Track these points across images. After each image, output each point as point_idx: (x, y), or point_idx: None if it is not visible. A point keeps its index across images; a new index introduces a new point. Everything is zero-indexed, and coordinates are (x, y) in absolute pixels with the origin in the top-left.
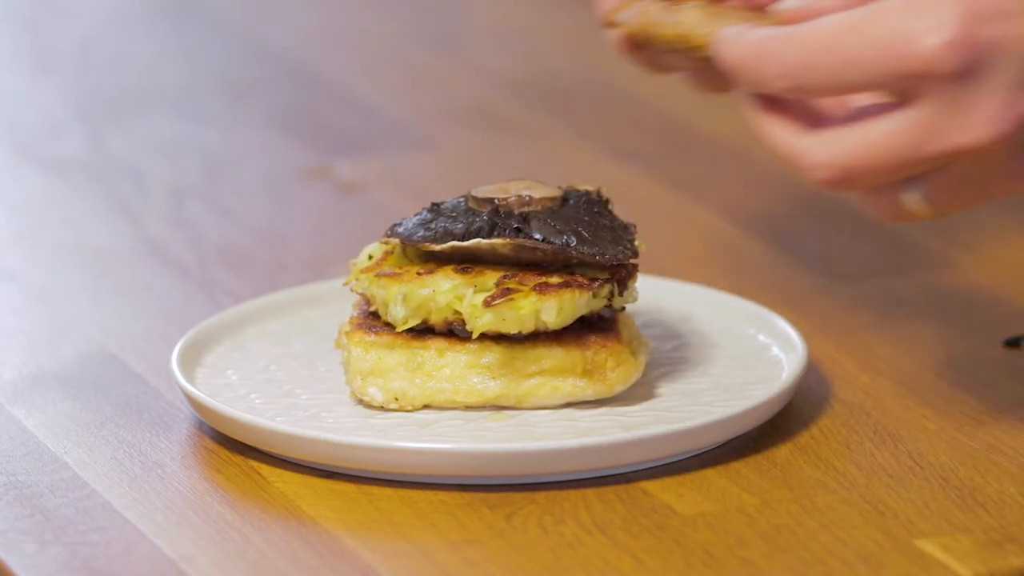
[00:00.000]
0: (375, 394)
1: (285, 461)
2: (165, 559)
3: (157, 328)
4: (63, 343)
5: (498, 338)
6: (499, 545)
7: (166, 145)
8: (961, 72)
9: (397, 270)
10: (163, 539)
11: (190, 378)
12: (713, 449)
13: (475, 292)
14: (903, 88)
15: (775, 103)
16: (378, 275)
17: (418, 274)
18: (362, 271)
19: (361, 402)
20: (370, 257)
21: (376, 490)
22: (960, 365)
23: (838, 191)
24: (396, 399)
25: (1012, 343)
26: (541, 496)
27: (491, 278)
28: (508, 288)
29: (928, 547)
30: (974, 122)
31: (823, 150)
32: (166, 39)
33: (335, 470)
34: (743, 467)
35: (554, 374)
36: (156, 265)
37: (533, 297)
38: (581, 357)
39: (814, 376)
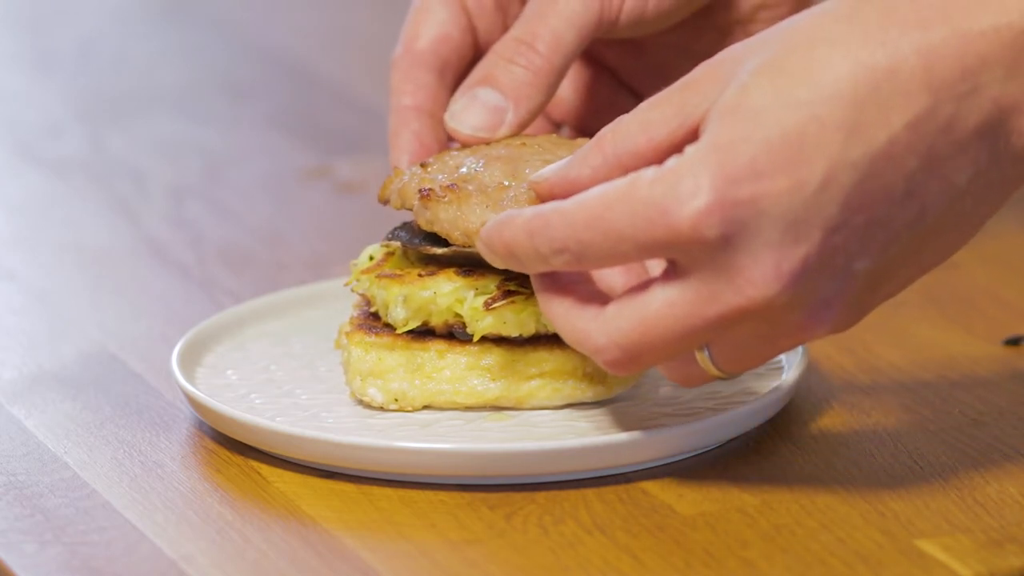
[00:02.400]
0: (375, 395)
1: (285, 461)
2: (165, 559)
3: (157, 328)
4: (63, 343)
5: (499, 340)
6: (499, 545)
7: (166, 145)
8: (723, 236)
9: (398, 271)
10: (163, 539)
11: (190, 378)
12: (713, 449)
13: (476, 295)
14: (673, 256)
15: (557, 283)
16: (379, 276)
17: (419, 276)
18: (363, 272)
19: (361, 402)
20: (371, 258)
21: (376, 490)
22: (960, 365)
23: (628, 371)
24: (396, 400)
25: (1012, 343)
26: (541, 496)
27: (492, 280)
28: (509, 291)
29: (928, 547)
30: (745, 284)
31: (603, 332)
32: (166, 39)
33: (335, 470)
34: (743, 467)
35: (554, 377)
36: (156, 265)
37: (534, 300)
38: (582, 360)
39: (814, 376)
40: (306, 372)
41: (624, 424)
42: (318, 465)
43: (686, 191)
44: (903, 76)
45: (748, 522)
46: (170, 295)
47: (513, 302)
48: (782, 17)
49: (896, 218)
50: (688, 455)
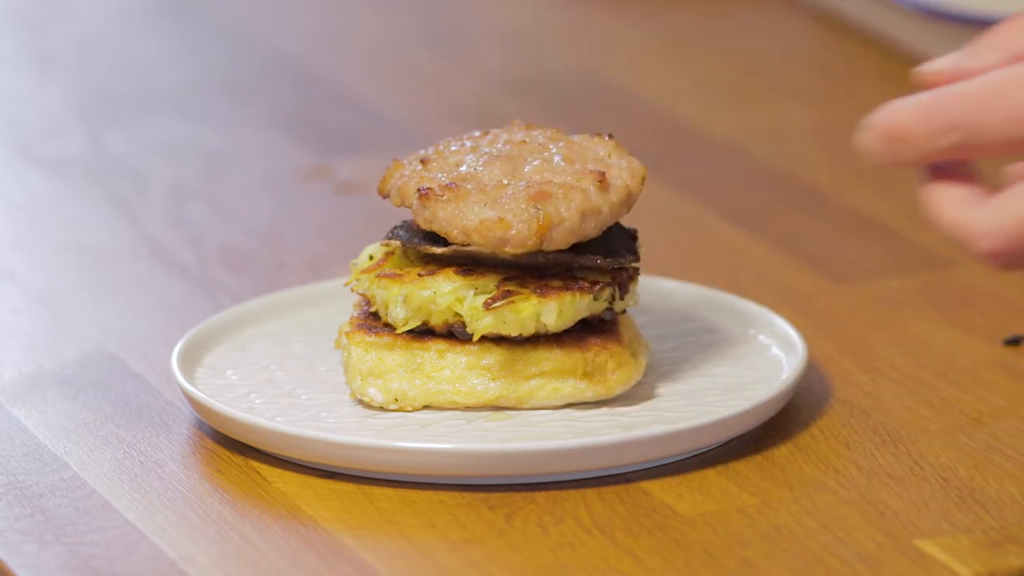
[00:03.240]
0: (375, 395)
1: (285, 461)
2: (165, 559)
3: (157, 328)
4: (63, 343)
5: (498, 340)
6: (499, 545)
7: (166, 145)
8: None
9: (398, 271)
10: (163, 539)
11: (190, 378)
12: (713, 449)
13: (476, 294)
14: None
15: (943, 173)
16: (379, 276)
17: (419, 275)
18: (363, 271)
19: (361, 402)
20: (371, 258)
21: (376, 490)
22: (960, 365)
23: (1007, 266)
24: (396, 400)
25: (1012, 343)
26: (541, 496)
27: (492, 280)
28: (509, 290)
29: (928, 547)
30: None
31: (989, 218)
32: (166, 39)
33: (335, 470)
34: (743, 467)
35: (554, 376)
36: (156, 265)
37: (534, 300)
38: (581, 359)
39: (814, 376)
40: (306, 372)
41: (624, 424)
42: (318, 465)
43: None
44: None
45: (748, 522)
46: (170, 295)
47: (513, 302)
48: None
49: None
50: (688, 455)
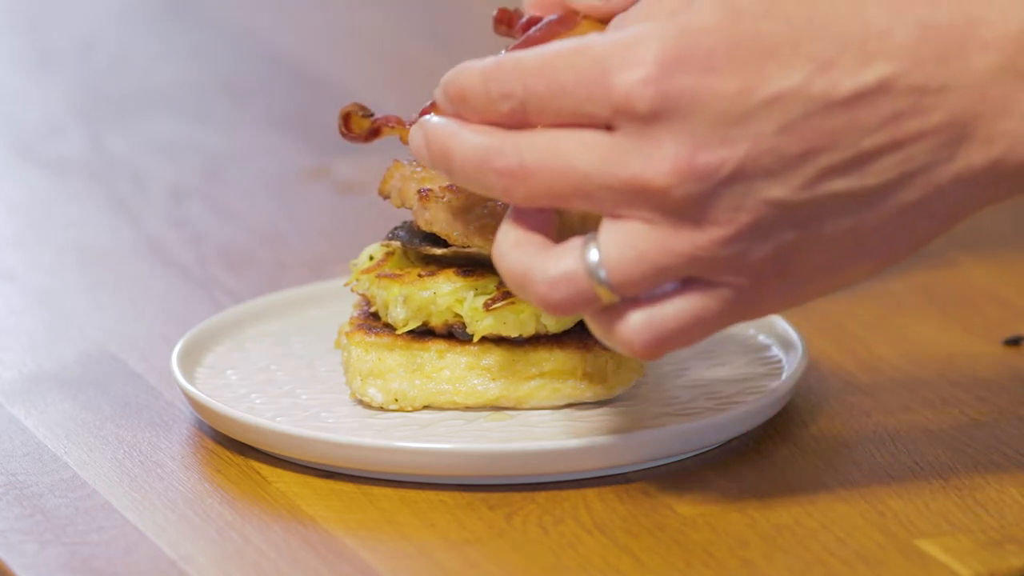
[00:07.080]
0: (375, 395)
1: (285, 461)
2: (165, 559)
3: (157, 328)
4: (63, 343)
5: (499, 340)
6: (499, 545)
7: (166, 145)
8: (652, 112)
9: (398, 271)
10: (163, 539)
11: (190, 378)
12: (713, 449)
13: (476, 295)
14: (604, 120)
15: (520, 216)
16: (379, 276)
17: (419, 276)
18: (363, 272)
19: (361, 402)
20: (371, 258)
21: (376, 490)
22: (960, 365)
23: (560, 314)
24: (396, 400)
25: (1012, 343)
26: (541, 496)
27: (493, 281)
28: (509, 291)
29: (928, 547)
30: (657, 157)
31: (543, 270)
32: (167, 39)
33: (335, 470)
34: (743, 467)
35: (555, 377)
36: (156, 265)
37: None
38: (582, 360)
39: (814, 376)
40: (306, 372)
41: (624, 424)
42: (318, 465)
43: (633, 58)
44: (895, 40)
45: (748, 522)
46: (170, 295)
47: (513, 302)
48: None
49: (834, 164)
50: (688, 455)
